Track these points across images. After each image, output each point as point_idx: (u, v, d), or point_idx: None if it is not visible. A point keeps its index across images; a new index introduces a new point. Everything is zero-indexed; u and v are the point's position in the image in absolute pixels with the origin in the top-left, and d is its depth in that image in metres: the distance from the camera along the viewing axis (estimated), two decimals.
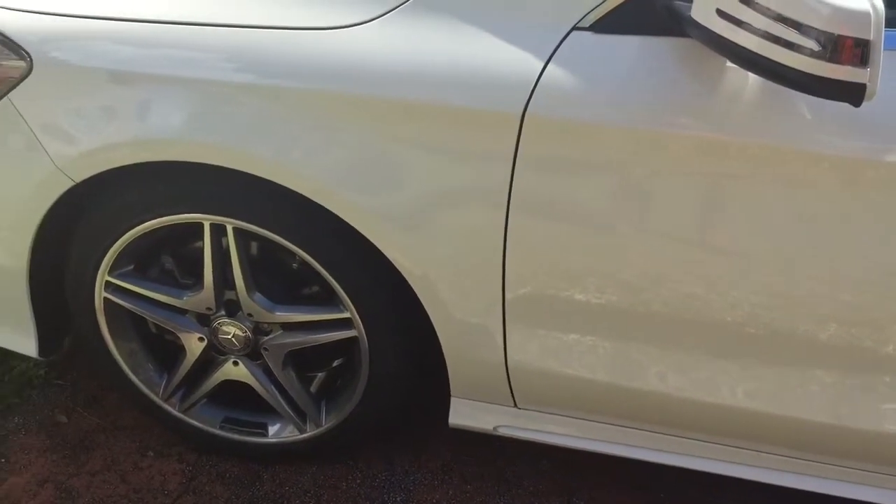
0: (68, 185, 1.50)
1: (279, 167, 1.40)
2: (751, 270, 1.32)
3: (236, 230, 1.52)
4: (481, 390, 1.62)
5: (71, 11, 1.45)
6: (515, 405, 1.62)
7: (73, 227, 1.60)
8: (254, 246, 1.59)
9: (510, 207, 1.34)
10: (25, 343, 1.76)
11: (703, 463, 1.62)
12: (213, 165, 1.42)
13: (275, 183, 1.41)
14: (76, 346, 1.90)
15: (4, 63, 1.46)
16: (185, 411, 1.80)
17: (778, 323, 1.36)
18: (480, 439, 1.77)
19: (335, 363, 1.76)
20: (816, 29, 1.05)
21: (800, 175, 1.24)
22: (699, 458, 1.61)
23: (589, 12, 1.25)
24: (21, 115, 1.47)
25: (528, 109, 1.26)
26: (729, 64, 1.20)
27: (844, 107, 1.10)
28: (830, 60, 1.05)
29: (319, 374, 1.76)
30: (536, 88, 1.25)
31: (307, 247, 1.49)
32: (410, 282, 1.46)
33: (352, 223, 1.41)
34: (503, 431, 1.67)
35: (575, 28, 1.26)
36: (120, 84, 1.43)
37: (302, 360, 1.72)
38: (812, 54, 1.07)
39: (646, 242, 1.33)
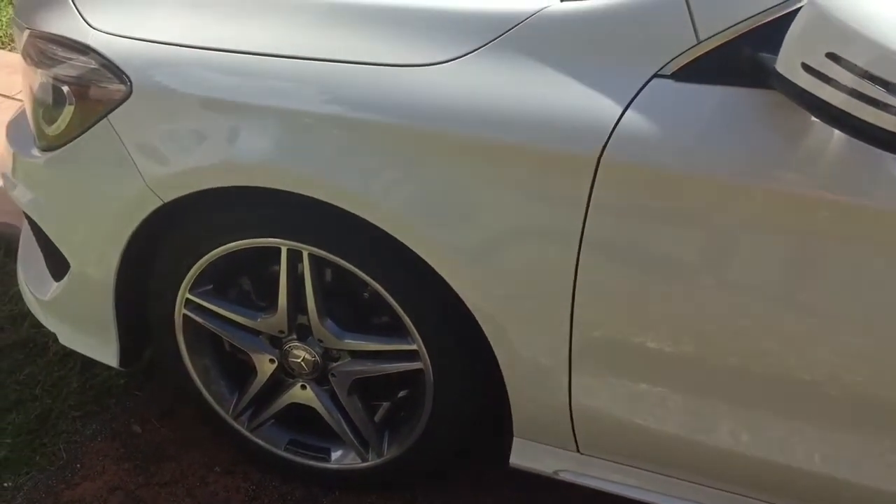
0: (157, 203, 1.56)
1: (358, 199, 1.42)
2: (827, 330, 1.27)
3: (311, 256, 1.55)
4: (544, 432, 1.60)
5: (170, 40, 1.52)
6: (578, 450, 1.59)
7: (159, 244, 1.66)
8: (328, 273, 1.63)
9: (581, 251, 1.33)
10: (107, 353, 1.84)
11: None
12: (293, 193, 1.46)
13: (351, 213, 1.44)
14: (154, 359, 1.96)
15: (107, 86, 1.54)
16: (252, 430, 1.84)
17: (858, 387, 1.31)
18: (542, 482, 1.74)
19: (400, 394, 1.77)
20: None
21: (882, 237, 1.19)
22: None
23: (672, 60, 1.24)
24: (118, 135, 1.55)
25: (605, 154, 1.26)
26: (814, 119, 1.17)
27: None
28: None
29: (385, 404, 1.77)
30: (613, 134, 1.25)
31: (379, 277, 1.52)
32: (478, 318, 1.46)
33: (424, 257, 1.43)
34: (564, 476, 1.64)
35: (656, 75, 1.25)
36: (211, 110, 1.49)
37: (368, 389, 1.74)
38: None
39: (718, 295, 1.30)
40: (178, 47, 1.52)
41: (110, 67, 1.54)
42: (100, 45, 1.55)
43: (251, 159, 1.48)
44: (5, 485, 1.86)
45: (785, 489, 1.48)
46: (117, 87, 1.53)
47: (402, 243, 1.43)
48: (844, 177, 1.19)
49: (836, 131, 1.15)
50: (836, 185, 1.19)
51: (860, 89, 1.05)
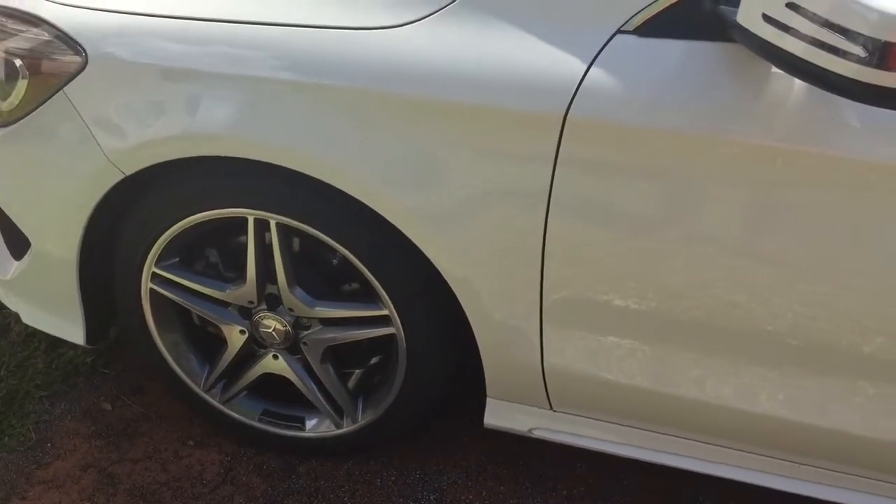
0: (119, 177, 1.54)
1: (323, 164, 1.42)
2: (792, 279, 1.30)
3: (279, 225, 1.54)
4: (517, 392, 1.62)
5: (125, 8, 1.49)
6: (551, 408, 1.61)
7: (123, 218, 1.64)
8: (296, 242, 1.62)
9: (549, 209, 1.34)
10: (73, 331, 1.82)
11: (741, 473, 1.59)
12: (258, 161, 1.45)
13: (318, 180, 1.43)
14: (122, 336, 1.93)
15: (61, 57, 1.51)
16: (225, 403, 1.83)
17: (821, 335, 1.34)
18: (515, 441, 1.77)
19: (372, 361, 1.78)
20: (864, 35, 1.03)
21: (844, 183, 1.22)
22: (739, 469, 1.59)
23: (634, 15, 1.24)
24: (75, 108, 1.52)
25: (570, 112, 1.26)
26: (774, 70, 1.19)
27: (891, 114, 1.08)
28: (878, 67, 1.04)
29: (357, 371, 1.78)
30: (579, 91, 1.25)
31: (348, 244, 1.51)
32: (449, 281, 1.47)
33: (393, 221, 1.43)
34: (538, 434, 1.66)
35: (619, 31, 1.25)
36: (170, 80, 1.47)
37: (340, 357, 1.74)
38: (859, 60, 1.05)
39: (685, 248, 1.32)
40: (133, 16, 1.49)
41: (64, 39, 1.50)
42: (53, 16, 1.51)
43: (212, 129, 1.46)
44: None
45: (754, 436, 1.52)
46: (72, 59, 1.50)
47: (370, 209, 1.43)
48: (806, 126, 1.20)
49: (797, 81, 1.17)
50: (798, 134, 1.21)
51: (819, 37, 1.07)
